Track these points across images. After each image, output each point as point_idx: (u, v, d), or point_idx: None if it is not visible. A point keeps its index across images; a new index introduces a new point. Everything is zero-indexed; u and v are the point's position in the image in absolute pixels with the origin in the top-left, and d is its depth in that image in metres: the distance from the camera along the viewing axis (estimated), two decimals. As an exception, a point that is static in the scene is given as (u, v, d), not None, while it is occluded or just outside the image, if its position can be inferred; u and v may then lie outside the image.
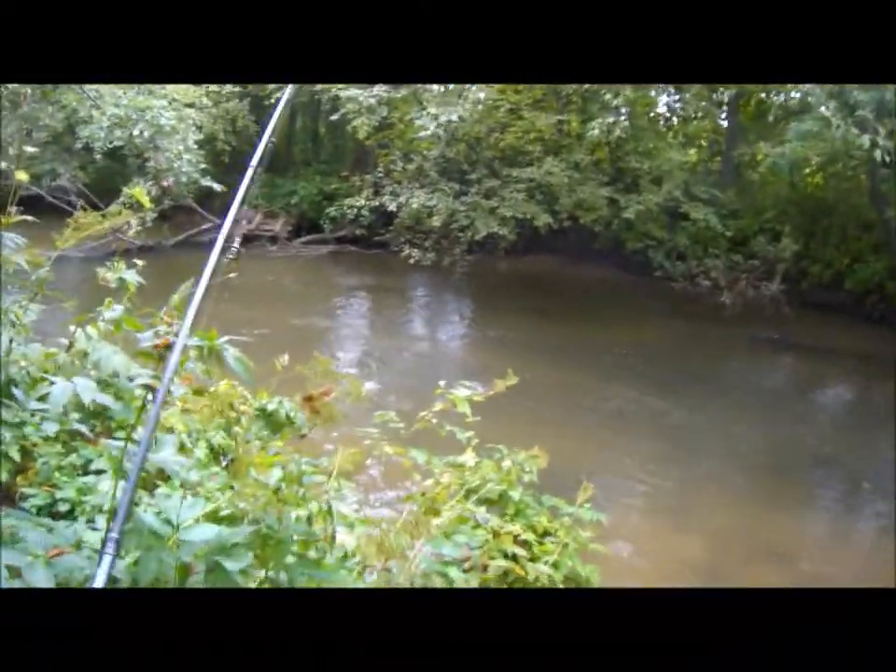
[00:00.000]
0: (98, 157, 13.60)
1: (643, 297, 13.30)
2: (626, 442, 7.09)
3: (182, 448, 3.51)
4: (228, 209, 2.29)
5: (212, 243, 2.18)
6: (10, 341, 3.12)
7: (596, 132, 11.81)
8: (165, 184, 13.14)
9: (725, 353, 10.89)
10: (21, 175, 3.34)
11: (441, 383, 3.78)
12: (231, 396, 4.34)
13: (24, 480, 3.05)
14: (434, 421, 3.75)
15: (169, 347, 2.82)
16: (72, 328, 3.51)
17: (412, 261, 12.64)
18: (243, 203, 2.66)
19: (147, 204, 3.79)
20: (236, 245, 2.42)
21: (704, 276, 13.66)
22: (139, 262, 3.70)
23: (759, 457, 7.08)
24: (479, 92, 13.15)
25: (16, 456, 2.87)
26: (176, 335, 2.95)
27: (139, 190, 3.80)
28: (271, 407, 4.45)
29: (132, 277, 3.53)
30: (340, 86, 13.41)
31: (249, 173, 2.60)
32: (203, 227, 15.24)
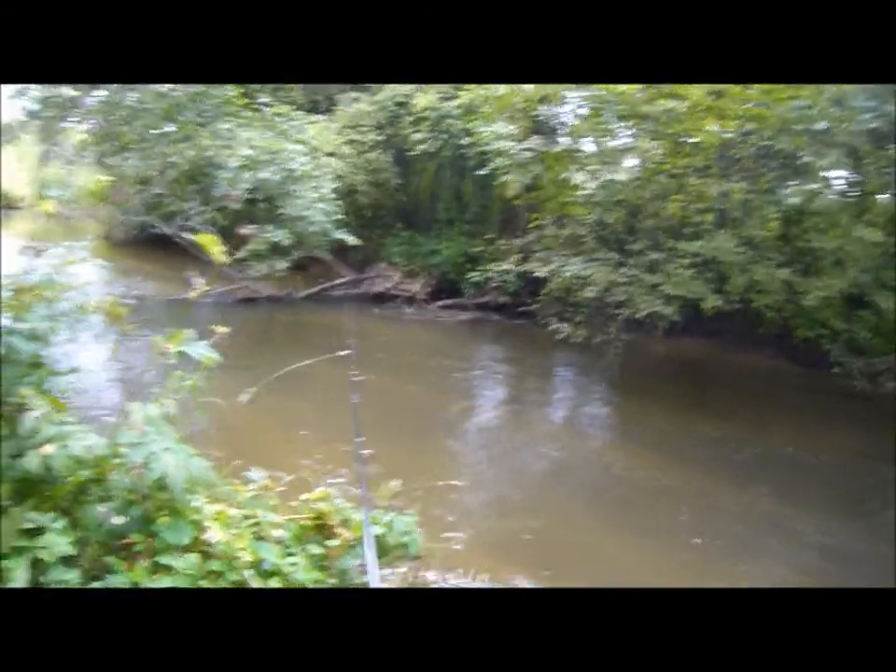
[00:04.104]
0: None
1: (815, 395, 11.57)
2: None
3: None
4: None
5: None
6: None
7: (798, 200, 10.24)
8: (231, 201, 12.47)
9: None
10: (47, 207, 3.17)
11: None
12: (326, 513, 3.45)
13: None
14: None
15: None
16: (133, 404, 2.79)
17: (559, 337, 11.49)
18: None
19: (220, 258, 3.13)
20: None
21: (889, 376, 11.86)
22: (223, 329, 3.10)
23: None
24: (636, 158, 12.02)
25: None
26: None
27: (210, 238, 3.10)
28: (378, 530, 3.43)
29: (197, 352, 2.87)
30: (490, 139, 12.53)
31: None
32: (338, 281, 14.71)
